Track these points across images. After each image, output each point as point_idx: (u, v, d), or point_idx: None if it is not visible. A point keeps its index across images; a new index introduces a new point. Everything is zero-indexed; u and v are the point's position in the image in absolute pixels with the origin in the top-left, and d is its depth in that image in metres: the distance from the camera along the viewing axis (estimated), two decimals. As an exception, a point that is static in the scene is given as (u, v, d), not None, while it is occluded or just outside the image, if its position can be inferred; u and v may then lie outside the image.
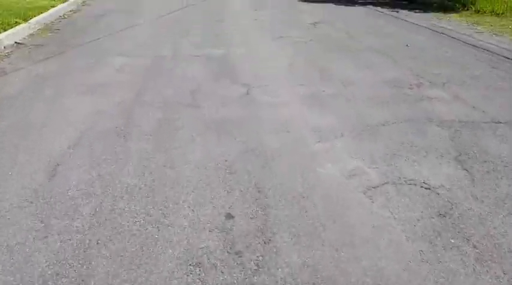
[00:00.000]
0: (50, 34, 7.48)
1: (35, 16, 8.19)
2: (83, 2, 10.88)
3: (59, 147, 3.47)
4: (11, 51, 6.38)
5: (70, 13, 9.51)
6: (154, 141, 3.55)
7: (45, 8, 8.98)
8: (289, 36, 7.30)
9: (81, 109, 4.19)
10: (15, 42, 6.90)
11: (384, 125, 3.81)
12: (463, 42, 6.94)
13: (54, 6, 9.33)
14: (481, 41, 6.99)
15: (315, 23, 8.46)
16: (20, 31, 7.29)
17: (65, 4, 9.81)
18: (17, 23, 7.50)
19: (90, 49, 6.44)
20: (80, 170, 3.14)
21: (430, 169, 3.14)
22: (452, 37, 7.26)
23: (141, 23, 8.32)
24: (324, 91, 4.67)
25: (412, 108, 4.21)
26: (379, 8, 10.25)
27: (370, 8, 10.27)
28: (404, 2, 11.24)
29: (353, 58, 5.94)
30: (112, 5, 10.44)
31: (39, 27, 7.90)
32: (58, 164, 3.23)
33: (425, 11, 9.83)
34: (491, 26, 8.14)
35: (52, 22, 8.48)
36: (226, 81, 5.01)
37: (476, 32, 7.62)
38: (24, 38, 7.20)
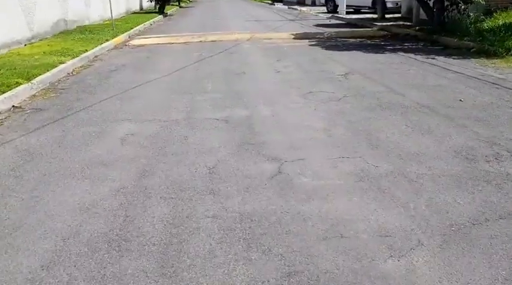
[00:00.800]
0: (53, 95, 6.75)
1: (39, 75, 7.53)
2: (95, 57, 10.30)
3: (28, 267, 2.51)
4: (5, 118, 5.62)
5: (80, 69, 8.88)
6: (158, 256, 2.57)
7: (52, 65, 8.35)
8: (320, 91, 6.41)
9: (68, 203, 3.26)
10: (13, 106, 6.16)
11: (474, 224, 2.77)
12: (523, 93, 5.93)
13: (63, 63, 8.72)
14: (545, 91, 5.98)
15: (346, 74, 7.59)
16: (20, 92, 6.58)
17: (75, 60, 9.21)
18: (17, 84, 6.81)
19: (94, 113, 5.62)
20: (50, 311, 2.16)
21: None
22: (509, 88, 6.26)
23: (154, 79, 7.56)
24: (376, 167, 3.67)
25: (502, 194, 3.17)
26: (411, 55, 9.37)
27: (403, 55, 9.40)
28: (437, 48, 10.37)
29: (402, 118, 4.97)
30: (125, 59, 9.82)
31: (43, 87, 7.22)
32: (21, 299, 2.26)
33: (464, 57, 8.89)
34: (548, 72, 7.14)
35: (59, 80, 7.82)
36: (252, 154, 4.07)
37: (534, 81, 6.62)
38: (24, 100, 6.48)
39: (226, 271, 2.40)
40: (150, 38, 13.87)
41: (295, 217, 2.92)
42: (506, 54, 8.81)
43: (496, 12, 12.08)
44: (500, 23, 11.02)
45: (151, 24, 18.62)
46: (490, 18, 11.75)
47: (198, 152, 4.15)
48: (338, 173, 3.57)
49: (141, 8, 26.80)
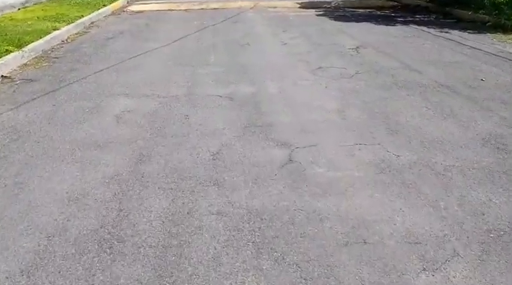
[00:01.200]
0: (45, 64, 6.32)
1: (32, 42, 7.08)
2: (92, 23, 9.78)
3: (6, 272, 2.20)
4: (-7, 89, 5.22)
5: (75, 36, 8.40)
6: (155, 262, 2.24)
7: (46, 32, 7.87)
8: (330, 66, 5.99)
9: (56, 191, 2.92)
10: (2, 76, 5.75)
11: (515, 230, 2.44)
12: (549, 73, 5.52)
13: (57, 29, 8.23)
14: None
15: (357, 47, 7.14)
16: (11, 61, 6.16)
17: (70, 26, 8.70)
18: (7, 51, 6.37)
19: (88, 86, 5.22)
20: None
21: None
22: (533, 67, 5.85)
23: (153, 49, 7.11)
24: (398, 156, 3.32)
25: (540, 192, 2.82)
26: (424, 28, 8.87)
27: (415, 28, 8.90)
28: (450, 21, 9.85)
29: (421, 99, 4.58)
30: (122, 26, 9.31)
31: (35, 55, 6.78)
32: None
33: (479, 32, 8.41)
34: None
35: (52, 48, 7.37)
36: (259, 137, 3.71)
37: (559, 60, 6.20)
38: (14, 70, 6.06)
39: (233, 284, 2.08)
40: (150, 3, 13.24)
41: (311, 216, 2.59)
42: (524, 29, 8.33)
43: (513, -17, 11.43)
44: (518, -5, 10.45)
45: (150, -11, 17.87)
46: (506, -11, 11.13)
47: (200, 135, 3.79)
48: (356, 163, 3.22)
49: (141, -28, 25.80)
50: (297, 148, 3.50)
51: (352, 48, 7.05)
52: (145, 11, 11.75)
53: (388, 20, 9.90)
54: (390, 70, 5.74)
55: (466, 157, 3.29)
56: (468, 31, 8.49)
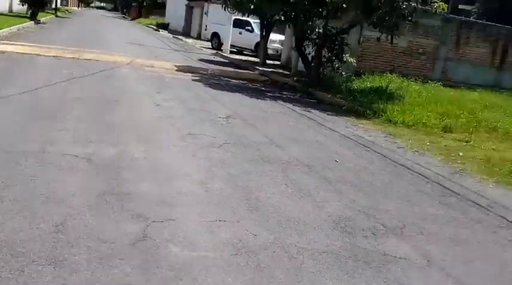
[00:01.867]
0: None
1: None
2: None
3: None
4: None
5: None
6: None
7: None
8: (200, 133, 5.99)
9: None
10: None
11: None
12: (391, 160, 6.20)
13: None
14: (409, 160, 6.33)
15: (227, 117, 7.32)
16: None
17: None
18: None
19: None
20: None
21: None
22: (378, 152, 6.53)
23: (8, 96, 6.44)
24: (255, 236, 3.31)
25: (381, 280, 3.00)
26: (290, 106, 9.52)
27: (282, 105, 9.51)
28: (312, 101, 10.78)
29: (282, 176, 4.76)
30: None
31: None
32: None
33: (337, 114, 9.28)
34: (409, 140, 7.63)
35: None
36: (114, 208, 3.44)
37: (398, 147, 7.03)
38: None
39: None
40: (15, 45, 12.26)
41: (158, 303, 2.38)
42: (373, 116, 9.38)
43: (364, 74, 13.07)
44: (368, 85, 11.91)
45: (18, 29, 16.69)
46: (359, 79, 12.66)
47: (45, 201, 3.38)
48: (213, 242, 3.12)
49: (11, 11, 24.15)
50: (154, 222, 3.30)
51: (223, 118, 7.20)
52: (7, 51, 10.82)
53: (259, 94, 10.45)
54: (256, 144, 5.93)
55: (318, 239, 3.40)
56: (327, 112, 9.30)
